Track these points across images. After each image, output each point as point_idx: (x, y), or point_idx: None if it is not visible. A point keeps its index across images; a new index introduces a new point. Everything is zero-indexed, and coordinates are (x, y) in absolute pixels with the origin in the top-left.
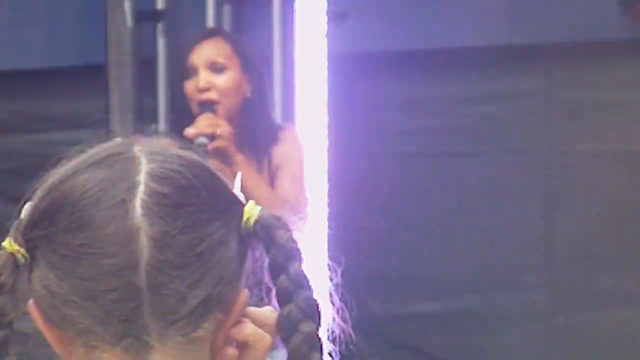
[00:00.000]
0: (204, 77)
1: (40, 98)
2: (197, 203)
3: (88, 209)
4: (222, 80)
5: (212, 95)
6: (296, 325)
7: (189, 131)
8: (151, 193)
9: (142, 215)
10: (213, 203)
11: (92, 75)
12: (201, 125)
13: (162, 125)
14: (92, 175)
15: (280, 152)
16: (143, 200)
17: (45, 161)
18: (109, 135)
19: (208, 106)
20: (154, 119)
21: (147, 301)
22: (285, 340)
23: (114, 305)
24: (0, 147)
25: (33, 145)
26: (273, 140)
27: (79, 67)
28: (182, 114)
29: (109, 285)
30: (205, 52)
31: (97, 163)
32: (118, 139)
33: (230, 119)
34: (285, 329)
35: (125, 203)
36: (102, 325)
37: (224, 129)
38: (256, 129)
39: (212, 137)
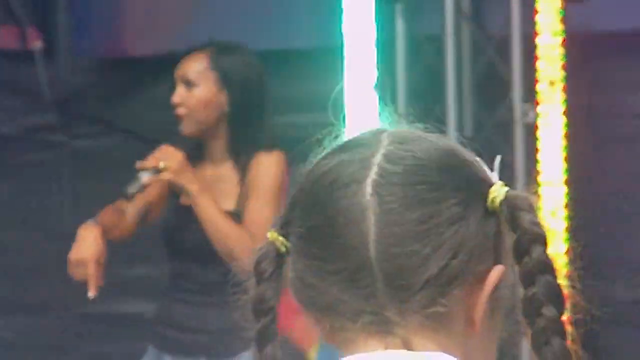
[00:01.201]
0: (177, 92)
1: (279, 80)
2: (427, 182)
3: (323, 190)
4: (191, 95)
5: (180, 110)
6: (539, 308)
7: (136, 165)
8: (383, 173)
9: (371, 194)
10: (446, 182)
11: (330, 56)
12: (147, 160)
13: (401, 106)
14: (334, 159)
15: (253, 173)
16: (374, 180)
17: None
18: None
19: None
20: (393, 100)
21: (380, 278)
22: (528, 323)
23: (348, 284)
24: None
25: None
26: (253, 156)
27: (317, 49)
28: None
29: (342, 264)
30: (182, 67)
31: (343, 148)
32: (373, 127)
33: (205, 132)
34: (527, 312)
35: (357, 183)
36: (340, 304)
37: (171, 161)
38: (235, 142)
39: (156, 170)
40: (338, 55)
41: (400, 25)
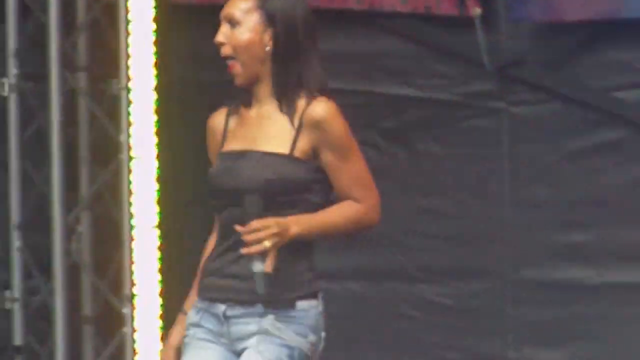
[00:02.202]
0: (221, 31)
1: None
2: None
3: None
4: (234, 34)
5: (226, 49)
6: None
7: (242, 251)
8: None
9: None
10: None
11: None
12: (249, 249)
13: None
14: None
15: (315, 125)
16: None
17: None
18: None
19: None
20: None
21: None
22: None
23: None
24: None
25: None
26: (304, 99)
27: None
28: None
29: None
30: (228, 6)
31: None
32: None
33: (251, 73)
34: None
35: None
36: None
37: (269, 235)
38: (281, 81)
39: (264, 255)
40: None
41: None
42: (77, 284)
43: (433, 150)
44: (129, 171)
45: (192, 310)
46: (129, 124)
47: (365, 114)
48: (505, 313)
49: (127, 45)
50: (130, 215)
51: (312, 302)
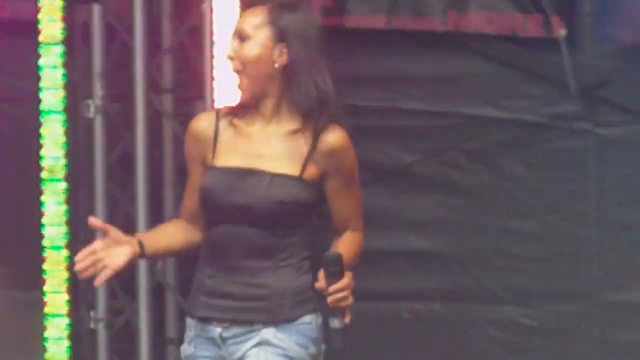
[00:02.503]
0: (230, 45)
1: None
2: None
3: None
4: (243, 49)
5: (235, 64)
6: None
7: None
8: None
9: None
10: None
11: None
12: (331, 309)
13: None
14: None
15: (330, 152)
16: None
17: None
18: None
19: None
20: None
21: None
22: None
23: None
24: None
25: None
26: (318, 118)
27: None
28: None
29: None
30: (239, 21)
31: None
32: None
33: (258, 89)
34: None
35: None
36: None
37: (342, 295)
38: (293, 98)
39: (341, 312)
40: None
41: None
42: (162, 304)
43: (519, 172)
44: None
45: (185, 342)
46: None
47: (451, 135)
48: (593, 336)
49: (211, 68)
50: None
51: (312, 316)
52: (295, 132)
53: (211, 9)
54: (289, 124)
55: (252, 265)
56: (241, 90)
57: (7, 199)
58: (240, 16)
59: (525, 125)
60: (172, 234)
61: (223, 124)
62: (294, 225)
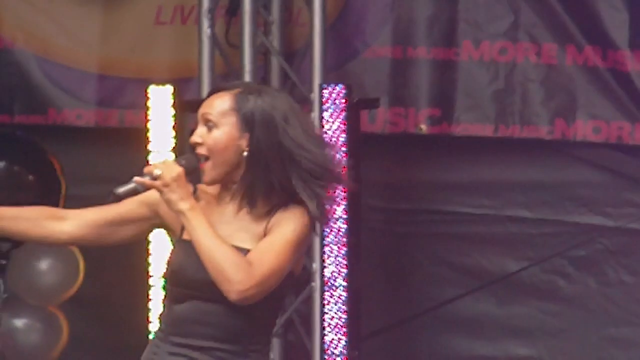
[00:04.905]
0: (197, 132)
1: None
2: None
3: None
4: (210, 137)
5: (201, 150)
6: None
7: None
8: None
9: None
10: None
11: None
12: (145, 168)
13: None
14: None
15: (280, 217)
16: None
17: None
18: None
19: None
20: None
21: None
22: None
23: None
24: None
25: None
26: (275, 205)
27: None
28: None
29: None
30: (204, 107)
31: None
32: None
33: (221, 175)
34: None
35: None
36: None
37: (167, 173)
38: (250, 187)
39: (150, 176)
40: None
41: None
42: None
43: (625, 280)
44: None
45: None
46: (322, 254)
47: (556, 242)
48: None
49: None
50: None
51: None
52: (266, 213)
53: None
54: (262, 205)
55: (221, 348)
56: (205, 172)
57: None
58: (207, 101)
59: (632, 233)
60: (27, 219)
61: (200, 200)
62: (265, 306)
